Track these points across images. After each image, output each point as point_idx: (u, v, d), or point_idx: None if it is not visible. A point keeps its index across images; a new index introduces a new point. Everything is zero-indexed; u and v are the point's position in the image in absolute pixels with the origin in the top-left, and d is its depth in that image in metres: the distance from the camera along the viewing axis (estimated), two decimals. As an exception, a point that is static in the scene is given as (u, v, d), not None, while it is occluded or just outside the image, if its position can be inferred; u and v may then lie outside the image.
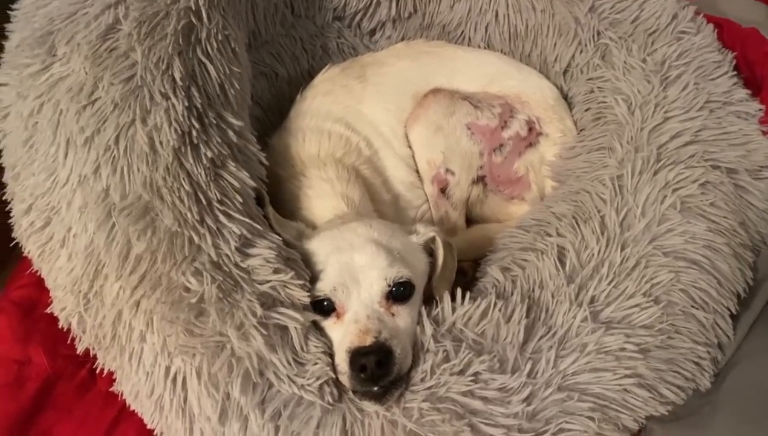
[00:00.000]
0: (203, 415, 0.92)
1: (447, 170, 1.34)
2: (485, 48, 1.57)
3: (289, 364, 0.91)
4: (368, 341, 0.90)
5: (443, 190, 1.35)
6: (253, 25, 1.43)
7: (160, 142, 0.99)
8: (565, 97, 1.49)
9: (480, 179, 1.37)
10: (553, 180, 1.36)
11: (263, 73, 1.47)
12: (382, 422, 0.90)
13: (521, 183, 1.38)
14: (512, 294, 1.03)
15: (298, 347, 0.93)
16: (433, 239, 1.09)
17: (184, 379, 0.92)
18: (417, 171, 1.38)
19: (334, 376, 0.93)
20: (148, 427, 1.00)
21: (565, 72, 1.51)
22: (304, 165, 1.23)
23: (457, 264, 1.18)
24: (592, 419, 0.93)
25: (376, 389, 0.90)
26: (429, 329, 0.97)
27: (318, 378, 0.90)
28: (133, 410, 1.03)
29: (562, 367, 0.95)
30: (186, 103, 1.03)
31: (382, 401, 0.91)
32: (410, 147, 1.37)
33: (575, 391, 0.94)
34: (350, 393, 0.92)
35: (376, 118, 1.35)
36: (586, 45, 1.45)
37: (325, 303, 0.98)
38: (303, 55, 1.53)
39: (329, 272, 0.99)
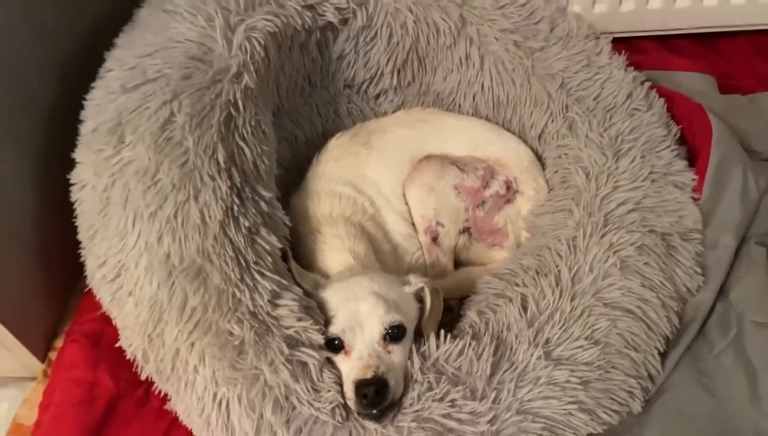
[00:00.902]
0: (242, 431, 1.19)
1: (438, 223, 1.61)
2: (473, 114, 1.84)
3: (308, 391, 1.18)
4: (369, 374, 1.17)
5: (434, 239, 1.62)
6: (278, 100, 1.69)
7: (209, 216, 1.25)
8: (540, 158, 1.75)
9: (466, 230, 1.63)
10: (527, 231, 1.63)
11: (285, 139, 1.73)
12: (379, 438, 1.18)
13: (500, 233, 1.65)
14: (484, 335, 1.30)
15: (315, 378, 1.20)
16: (422, 289, 1.36)
17: (228, 403, 1.19)
18: (413, 224, 1.65)
19: (343, 401, 1.20)
20: (197, 437, 1.29)
21: (539, 136, 1.77)
22: (320, 223, 1.50)
23: (445, 302, 1.45)
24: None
25: (375, 412, 1.17)
26: (417, 362, 1.24)
27: (331, 402, 1.18)
28: (181, 423, 1.30)
29: (520, 395, 1.22)
30: (228, 184, 1.29)
31: (380, 421, 1.18)
32: (407, 204, 1.64)
33: (530, 414, 1.21)
34: (355, 414, 1.19)
35: (379, 180, 1.62)
36: (556, 116, 1.71)
37: (336, 342, 1.25)
38: (318, 120, 1.79)
39: (339, 317, 1.26)
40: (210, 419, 1.21)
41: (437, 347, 1.28)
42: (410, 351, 1.27)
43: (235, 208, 1.28)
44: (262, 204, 1.34)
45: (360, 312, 1.25)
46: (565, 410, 1.23)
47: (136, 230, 1.26)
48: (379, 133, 1.70)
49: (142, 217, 1.26)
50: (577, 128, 1.65)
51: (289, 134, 1.75)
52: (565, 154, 1.66)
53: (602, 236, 1.41)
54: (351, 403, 1.19)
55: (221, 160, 1.31)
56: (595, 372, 1.26)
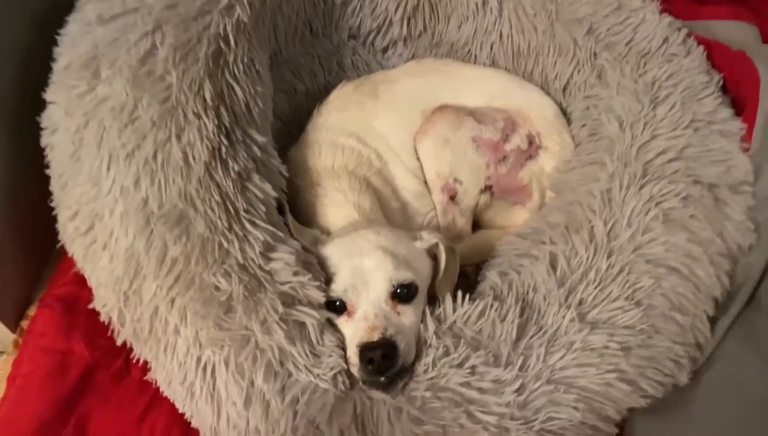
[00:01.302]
0: (230, 400, 1.03)
1: (456, 180, 1.45)
2: (490, 65, 1.68)
3: (307, 356, 1.02)
4: (375, 336, 1.01)
5: (452, 198, 1.46)
6: (275, 45, 1.54)
7: (193, 157, 1.10)
8: (564, 113, 1.59)
9: (488, 188, 1.47)
10: (551, 190, 1.46)
11: (283, 90, 1.58)
12: (388, 409, 1.02)
13: (524, 191, 1.49)
14: (508, 296, 1.14)
15: (314, 341, 1.04)
16: (436, 245, 1.19)
17: (214, 368, 1.03)
18: (425, 182, 1.48)
19: (346, 367, 1.04)
20: (180, 411, 1.12)
21: (564, 89, 1.61)
22: (320, 176, 1.35)
23: (461, 268, 1.29)
24: (576, 409, 1.04)
25: (382, 379, 1.01)
26: (432, 326, 1.08)
27: (332, 369, 1.02)
28: (164, 397, 1.14)
29: (551, 362, 1.06)
30: (216, 122, 1.15)
31: (388, 390, 1.02)
32: (418, 159, 1.48)
33: (562, 384, 1.05)
34: (360, 383, 1.03)
35: (387, 133, 1.46)
36: (583, 65, 1.56)
37: (338, 303, 1.09)
38: (320, 72, 1.64)
39: (341, 275, 1.10)
40: (193, 388, 1.06)
41: (453, 309, 1.12)
42: (423, 314, 1.11)
43: (223, 149, 1.13)
44: (255, 148, 1.19)
45: (365, 268, 1.10)
46: (603, 379, 1.07)
47: (111, 173, 1.12)
48: (387, 84, 1.54)
49: (118, 159, 1.11)
50: (608, 76, 1.49)
51: (287, 85, 1.60)
52: (594, 105, 1.49)
53: (641, 188, 1.24)
54: (355, 370, 1.04)
55: (208, 97, 1.16)
56: (637, 337, 1.10)
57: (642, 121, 1.36)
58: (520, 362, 1.05)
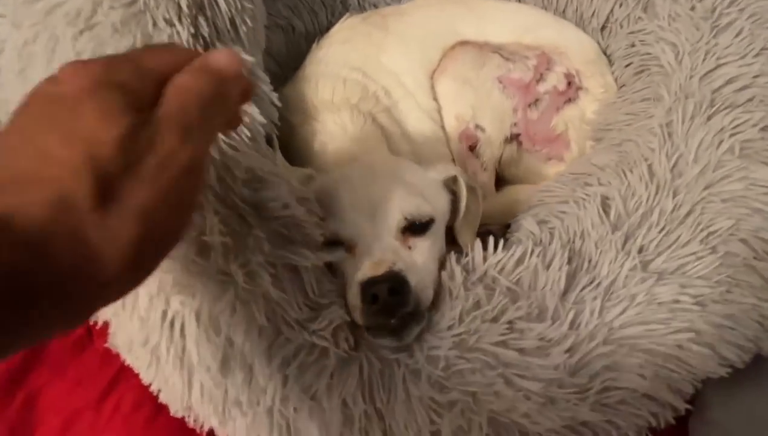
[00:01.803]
0: (203, 364, 0.81)
1: (477, 126, 1.24)
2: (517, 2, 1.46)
3: (299, 308, 0.81)
4: (381, 271, 0.81)
5: (472, 149, 1.24)
6: (270, -29, 1.34)
7: (161, 67, 0.90)
8: (604, 55, 1.38)
9: (514, 137, 1.26)
10: (593, 139, 1.24)
11: (279, 26, 1.38)
12: (404, 372, 0.79)
13: (560, 142, 1.27)
14: (551, 243, 0.92)
15: (309, 290, 0.82)
16: (454, 179, 0.99)
17: (183, 324, 0.82)
18: (443, 127, 1.27)
19: (348, 319, 0.82)
20: (144, 382, 0.91)
21: (603, 28, 1.40)
22: (317, 110, 1.14)
23: (484, 226, 1.07)
24: (643, 376, 0.82)
25: (392, 321, 0.80)
26: (459, 276, 0.86)
27: (331, 322, 0.80)
28: (133, 371, 0.93)
29: (608, 318, 0.84)
30: (192, 31, 0.94)
31: (400, 336, 0.81)
32: (435, 100, 1.27)
33: (624, 345, 0.83)
34: (366, 333, 0.82)
35: (398, 69, 1.25)
36: (626, -2, 1.35)
37: (337, 240, 0.89)
38: (322, 10, 1.43)
39: (341, 205, 0.90)
40: (158, 350, 0.84)
41: (484, 259, 0.89)
42: (447, 260, 0.89)
43: (200, 61, 0.92)
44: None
45: (370, 197, 0.89)
46: (674, 340, 0.84)
47: (63, 91, 0.90)
48: (398, 16, 1.33)
49: (71, 72, 0.90)
50: (656, 6, 1.27)
51: (284, 21, 1.39)
52: (641, 40, 1.28)
53: (709, 118, 1.02)
54: (358, 315, 0.82)
55: (184, 5, 0.95)
56: (714, 290, 0.87)
57: (703, 50, 1.14)
58: (570, 317, 0.83)
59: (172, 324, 0.82)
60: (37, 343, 0.48)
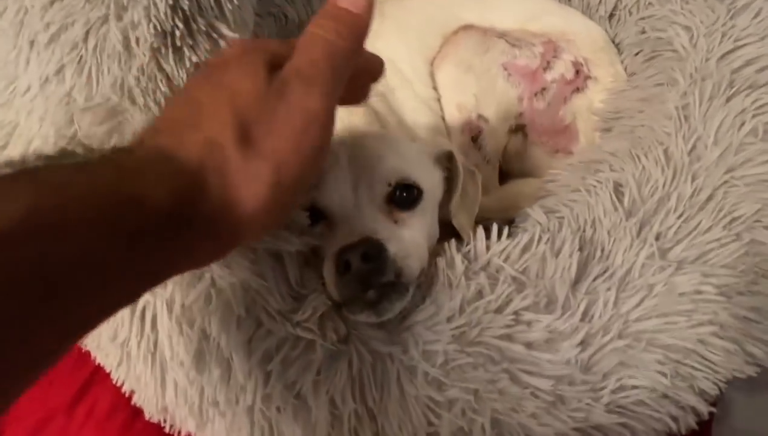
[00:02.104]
0: (176, 359, 0.74)
1: (479, 116, 1.16)
2: (521, -6, 1.40)
3: (282, 297, 0.73)
4: (356, 239, 0.72)
5: (474, 140, 1.17)
6: (261, -44, 1.28)
7: (136, 41, 0.83)
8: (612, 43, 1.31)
9: (519, 128, 1.18)
10: (600, 129, 1.17)
11: (271, 14, 1.31)
12: (398, 368, 0.71)
13: (568, 133, 1.19)
14: (559, 231, 0.85)
15: (292, 278, 0.75)
16: (449, 156, 0.91)
17: (154, 315, 0.74)
18: (443, 118, 1.20)
19: (333, 304, 0.74)
20: (115, 382, 0.83)
21: (611, 16, 1.32)
22: None
23: (487, 221, 1.00)
24: (663, 374, 0.74)
25: (370, 293, 0.71)
26: (460, 265, 0.78)
27: (315, 310, 0.72)
28: (108, 373, 0.86)
29: (624, 310, 0.76)
30: (170, 3, 0.87)
31: (378, 310, 0.72)
32: (434, 89, 1.19)
33: (640, 339, 0.75)
34: (344, 310, 0.74)
35: (395, 55, 1.18)
36: (636, -17, 1.28)
37: (316, 212, 0.81)
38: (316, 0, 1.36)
39: (320, 179, 0.82)
40: (128, 345, 0.77)
41: (488, 247, 0.82)
42: (447, 247, 0.81)
43: (177, 34, 0.85)
44: (223, 45, 0.90)
45: (354, 165, 0.81)
46: (696, 334, 0.76)
47: (31, 66, 0.84)
48: (395, 2, 1.26)
49: (38, 45, 0.84)
50: (668, -9, 1.20)
51: (277, 10, 1.32)
52: (652, 26, 1.21)
53: (728, 100, 0.95)
54: (333, 291, 0.73)
55: (164, -23, 0.88)
56: (739, 279, 0.80)
57: (719, 32, 1.07)
58: (582, 307, 0.75)
59: (142, 316, 0.75)
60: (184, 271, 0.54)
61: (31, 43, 0.85)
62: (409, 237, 0.78)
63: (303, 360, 0.72)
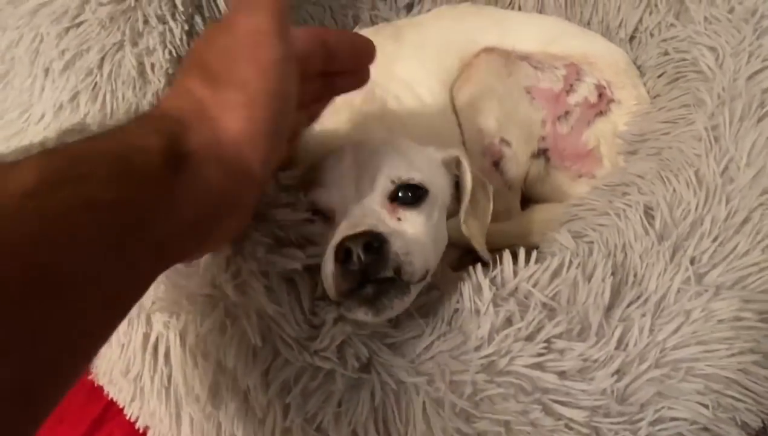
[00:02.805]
0: (191, 394, 0.71)
1: (502, 140, 1.13)
2: (539, 15, 1.38)
3: (298, 324, 0.70)
4: (358, 230, 0.69)
5: (496, 165, 1.14)
6: (277, -14, 1.27)
7: (151, 67, 0.82)
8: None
9: (542, 153, 1.15)
10: (624, 152, 1.13)
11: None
12: (423, 399, 0.67)
13: (591, 158, 1.15)
14: (590, 256, 0.81)
15: (306, 303, 0.71)
16: (457, 161, 0.88)
17: (167, 349, 0.72)
18: (462, 143, 1.17)
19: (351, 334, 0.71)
20: (128, 418, 0.80)
21: (631, 38, 1.31)
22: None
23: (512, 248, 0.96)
24: (702, 405, 0.70)
25: (368, 288, 0.67)
26: (487, 291, 0.75)
27: (333, 340, 0.69)
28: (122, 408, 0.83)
29: (660, 337, 0.72)
30: (186, 28, 0.87)
31: (376, 305, 0.68)
32: (453, 113, 1.17)
33: (678, 369, 0.71)
34: (342, 309, 0.71)
35: (413, 78, 1.15)
36: (656, 5, 1.25)
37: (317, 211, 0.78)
38: (332, 26, 1.35)
39: (324, 175, 0.80)
40: (142, 381, 0.74)
41: (515, 272, 0.78)
42: (472, 272, 0.78)
43: (194, 60, 0.84)
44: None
45: (357, 164, 0.79)
46: (737, 363, 0.72)
47: (45, 94, 0.84)
48: (413, 27, 1.24)
49: (53, 72, 0.84)
50: (690, 12, 1.18)
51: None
52: (674, 47, 1.18)
53: (759, 120, 0.92)
54: (331, 287, 0.70)
55: (179, 2, 0.88)
56: (782, 305, 0.76)
57: (746, 52, 1.04)
58: (617, 335, 0.71)
59: (154, 350, 0.72)
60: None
61: (46, 71, 0.84)
62: (411, 234, 0.74)
63: (323, 391, 0.68)
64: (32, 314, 0.39)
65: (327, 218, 0.77)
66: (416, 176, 0.78)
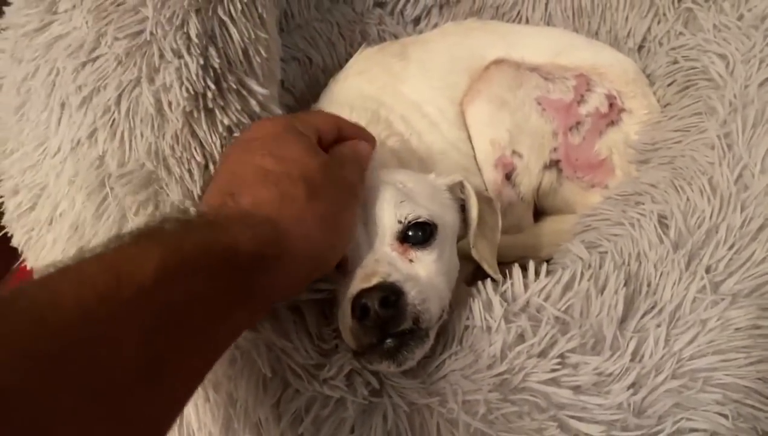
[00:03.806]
0: (204, 430, 0.72)
1: (514, 152, 1.14)
2: (546, 28, 1.39)
3: (307, 353, 0.71)
4: (373, 282, 0.69)
5: (508, 177, 1.14)
6: (285, 4, 1.29)
7: (169, 105, 0.83)
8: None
9: (554, 164, 1.15)
10: (636, 161, 1.13)
11: (296, 58, 1.31)
12: (437, 421, 0.68)
13: (604, 168, 1.15)
14: (602, 267, 0.81)
15: (314, 333, 0.73)
16: (460, 186, 0.88)
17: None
18: (473, 157, 1.18)
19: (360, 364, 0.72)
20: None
21: (640, 48, 1.32)
22: None
23: (524, 260, 0.97)
24: (723, 415, 0.69)
25: (387, 342, 0.68)
26: (498, 307, 0.75)
27: (341, 369, 0.70)
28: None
29: (677, 348, 0.72)
30: (201, 62, 0.88)
31: (397, 359, 0.69)
32: (463, 130, 1.18)
33: (696, 379, 0.70)
34: (361, 360, 0.72)
35: (421, 98, 1.17)
36: (665, 13, 1.26)
37: None
38: (340, 42, 1.37)
39: None
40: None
41: (525, 286, 0.78)
42: (481, 288, 0.78)
43: (210, 96, 0.86)
44: (252, 102, 0.91)
45: (363, 204, 0.79)
46: (756, 371, 0.71)
47: (62, 127, 0.85)
48: (420, 44, 1.26)
49: (70, 107, 0.86)
50: (699, 20, 1.19)
51: (301, 54, 1.33)
52: (684, 56, 1.18)
53: (773, 126, 0.91)
54: (349, 337, 0.70)
55: (193, 34, 0.89)
56: (799, 312, 0.75)
57: (757, 58, 1.04)
58: (631, 347, 0.71)
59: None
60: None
61: (63, 105, 0.86)
62: (425, 277, 0.75)
63: (335, 418, 0.69)
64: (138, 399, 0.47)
65: (339, 264, 0.76)
66: (423, 213, 0.78)
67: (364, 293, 0.68)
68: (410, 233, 0.77)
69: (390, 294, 0.67)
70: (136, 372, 0.46)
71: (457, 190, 0.89)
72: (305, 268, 0.65)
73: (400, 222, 0.77)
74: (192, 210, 0.75)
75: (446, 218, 0.84)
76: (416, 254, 0.77)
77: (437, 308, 0.72)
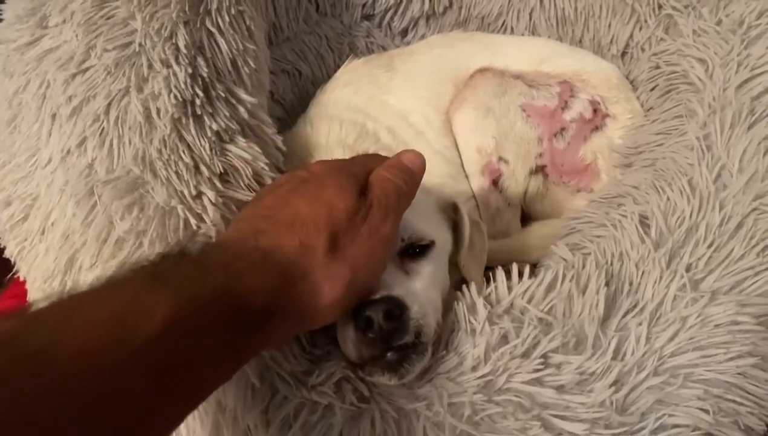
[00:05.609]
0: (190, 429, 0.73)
1: (500, 159, 1.16)
2: (530, 37, 1.41)
3: (296, 359, 0.72)
4: (376, 295, 0.70)
5: (495, 183, 1.16)
6: (274, 18, 1.31)
7: (157, 112, 0.85)
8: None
9: (540, 169, 1.17)
10: (620, 165, 1.15)
11: (285, 71, 1.33)
12: (423, 424, 0.68)
13: (589, 172, 1.18)
14: (584, 267, 0.83)
15: (304, 340, 0.74)
16: (454, 207, 0.90)
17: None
18: (460, 164, 1.20)
19: (349, 370, 0.73)
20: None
21: (623, 54, 1.34)
22: (310, 154, 1.08)
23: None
24: (705, 411, 0.70)
25: (389, 355, 0.69)
26: (482, 309, 0.76)
27: (330, 376, 0.71)
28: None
29: (658, 345, 0.73)
30: (189, 71, 0.89)
31: (399, 372, 0.69)
32: (449, 138, 1.20)
33: (677, 375, 0.72)
34: (361, 372, 0.72)
35: (407, 108, 1.19)
36: (646, 19, 1.29)
37: None
38: (329, 54, 1.39)
39: None
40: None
41: (509, 288, 0.80)
42: (466, 292, 0.80)
43: (198, 102, 0.87)
44: (241, 110, 0.92)
45: None
46: (735, 366, 0.73)
47: (53, 138, 0.87)
48: (405, 56, 1.28)
49: (61, 117, 0.87)
50: (679, 26, 1.21)
51: (290, 66, 1.35)
52: (665, 61, 1.21)
53: (750, 127, 0.94)
54: (350, 349, 0.71)
55: (182, 45, 0.91)
56: (777, 308, 0.77)
57: (735, 62, 1.06)
58: (613, 345, 0.72)
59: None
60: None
61: (53, 116, 0.87)
62: (422, 291, 0.76)
63: (323, 425, 0.69)
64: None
65: None
66: (425, 233, 0.80)
67: (368, 305, 0.68)
68: (408, 246, 0.79)
69: (394, 308, 0.68)
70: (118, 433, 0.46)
71: (450, 210, 0.91)
72: (302, 322, 0.63)
73: (402, 240, 0.79)
74: (213, 240, 0.75)
75: (442, 236, 0.86)
76: (412, 265, 0.78)
77: (434, 323, 0.74)
